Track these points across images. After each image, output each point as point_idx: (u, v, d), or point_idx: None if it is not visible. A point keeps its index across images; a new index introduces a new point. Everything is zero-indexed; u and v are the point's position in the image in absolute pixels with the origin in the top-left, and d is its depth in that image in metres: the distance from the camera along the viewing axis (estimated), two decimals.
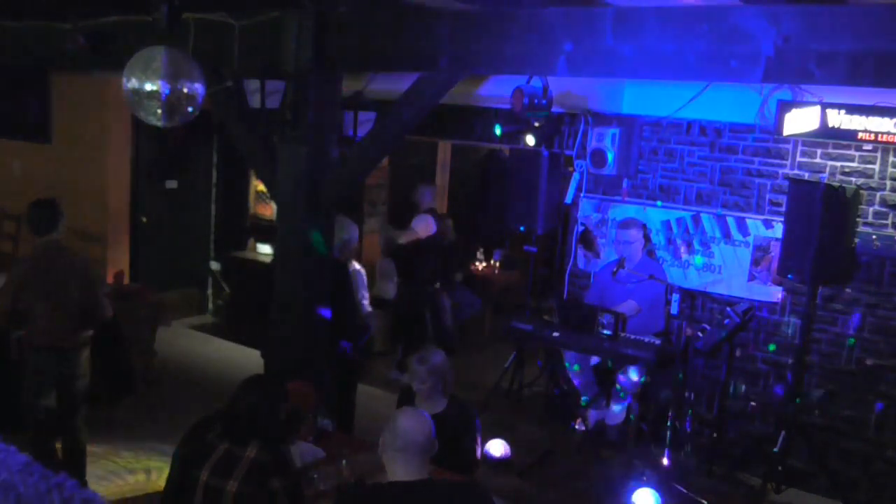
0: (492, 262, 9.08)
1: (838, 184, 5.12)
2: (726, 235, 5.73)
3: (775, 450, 5.16)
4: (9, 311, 4.48)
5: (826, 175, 5.30)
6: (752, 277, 5.65)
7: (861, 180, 5.21)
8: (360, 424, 5.12)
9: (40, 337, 4.51)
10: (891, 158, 5.13)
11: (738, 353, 5.59)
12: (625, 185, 6.10)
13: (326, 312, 4.52)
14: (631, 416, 5.72)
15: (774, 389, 5.39)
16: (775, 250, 5.44)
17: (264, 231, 8.17)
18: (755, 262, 5.63)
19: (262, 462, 3.00)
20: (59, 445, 4.71)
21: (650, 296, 5.63)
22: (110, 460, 5.09)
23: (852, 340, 5.25)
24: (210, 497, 2.98)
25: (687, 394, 5.47)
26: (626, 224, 5.79)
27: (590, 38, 3.27)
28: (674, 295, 5.56)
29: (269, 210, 8.23)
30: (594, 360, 5.86)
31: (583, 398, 5.90)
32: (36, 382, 4.57)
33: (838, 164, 5.29)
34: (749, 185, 5.63)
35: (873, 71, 2.78)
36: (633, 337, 5.37)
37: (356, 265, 5.37)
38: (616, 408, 5.84)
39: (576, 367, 5.86)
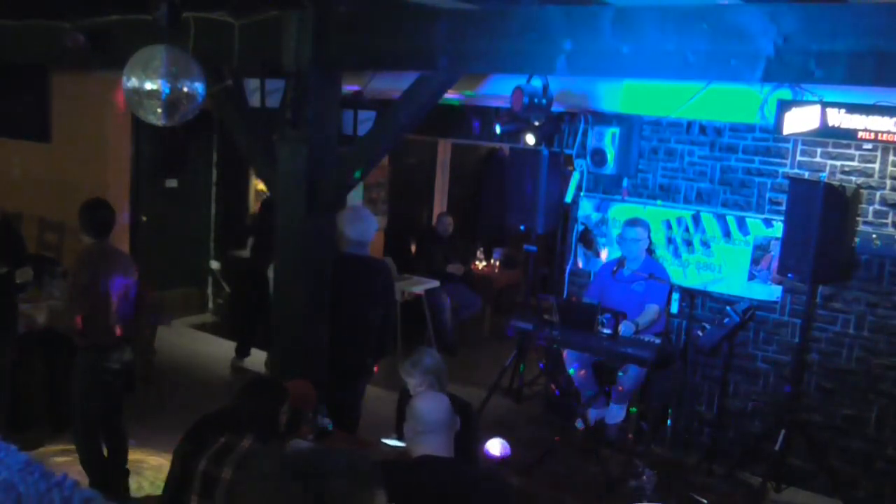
0: (492, 261, 9.08)
1: (838, 183, 5.12)
2: (726, 234, 5.73)
3: (775, 449, 5.16)
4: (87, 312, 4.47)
5: (826, 174, 5.30)
6: (752, 276, 5.65)
7: (861, 179, 5.21)
8: (361, 424, 5.12)
9: (104, 336, 4.53)
10: (891, 157, 5.13)
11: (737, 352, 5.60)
12: (625, 184, 6.10)
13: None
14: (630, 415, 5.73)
15: (785, 389, 5.37)
16: (775, 249, 5.44)
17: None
18: (755, 261, 5.63)
19: (257, 453, 3.03)
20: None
21: (663, 296, 5.64)
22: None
23: None
24: (207, 485, 3.02)
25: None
26: (632, 222, 5.79)
27: (589, 37, 3.27)
28: (674, 294, 5.57)
29: None
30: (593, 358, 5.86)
31: (582, 398, 5.91)
32: (98, 383, 4.57)
33: (838, 163, 5.29)
34: (749, 184, 5.63)
35: (873, 71, 2.78)
36: (632, 336, 5.37)
37: None
38: (616, 407, 5.84)
39: (570, 371, 5.86)
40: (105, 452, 4.77)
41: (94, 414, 4.61)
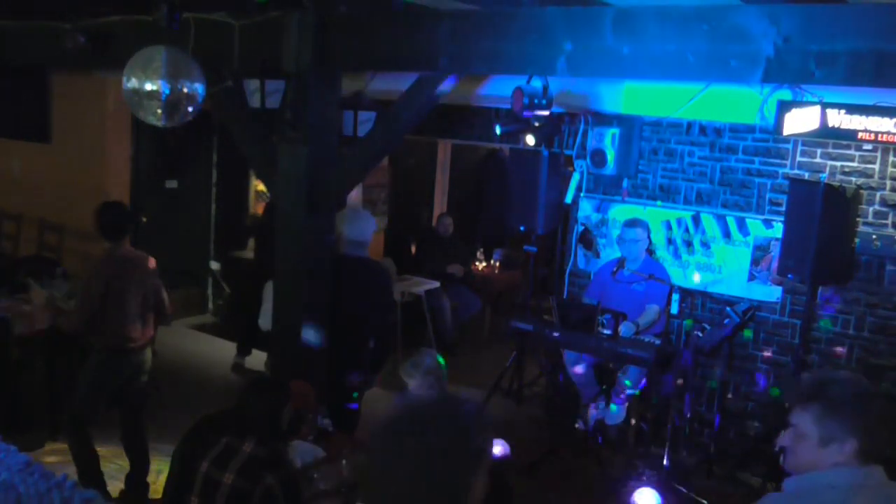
0: (492, 262, 9.08)
1: (838, 183, 5.12)
2: (726, 235, 5.73)
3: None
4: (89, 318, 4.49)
5: (826, 175, 5.30)
6: (752, 277, 5.65)
7: (861, 180, 5.21)
8: (360, 424, 5.12)
9: (115, 339, 4.54)
10: (891, 158, 5.13)
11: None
12: (625, 184, 6.10)
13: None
14: (630, 418, 5.72)
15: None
16: (775, 250, 5.44)
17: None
18: (755, 261, 5.63)
19: (259, 457, 3.04)
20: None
21: (663, 297, 5.63)
22: (111, 461, 5.09)
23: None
24: (208, 487, 3.02)
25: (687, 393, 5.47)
26: (631, 223, 5.79)
27: (590, 37, 3.28)
28: (674, 295, 5.56)
29: None
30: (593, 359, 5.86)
31: (583, 398, 5.91)
32: (101, 383, 4.59)
33: (838, 163, 5.29)
34: (749, 184, 5.62)
35: (873, 71, 2.78)
36: (632, 337, 5.37)
37: None
38: (616, 408, 5.84)
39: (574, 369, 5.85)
40: (127, 461, 4.80)
41: (88, 411, 4.59)
